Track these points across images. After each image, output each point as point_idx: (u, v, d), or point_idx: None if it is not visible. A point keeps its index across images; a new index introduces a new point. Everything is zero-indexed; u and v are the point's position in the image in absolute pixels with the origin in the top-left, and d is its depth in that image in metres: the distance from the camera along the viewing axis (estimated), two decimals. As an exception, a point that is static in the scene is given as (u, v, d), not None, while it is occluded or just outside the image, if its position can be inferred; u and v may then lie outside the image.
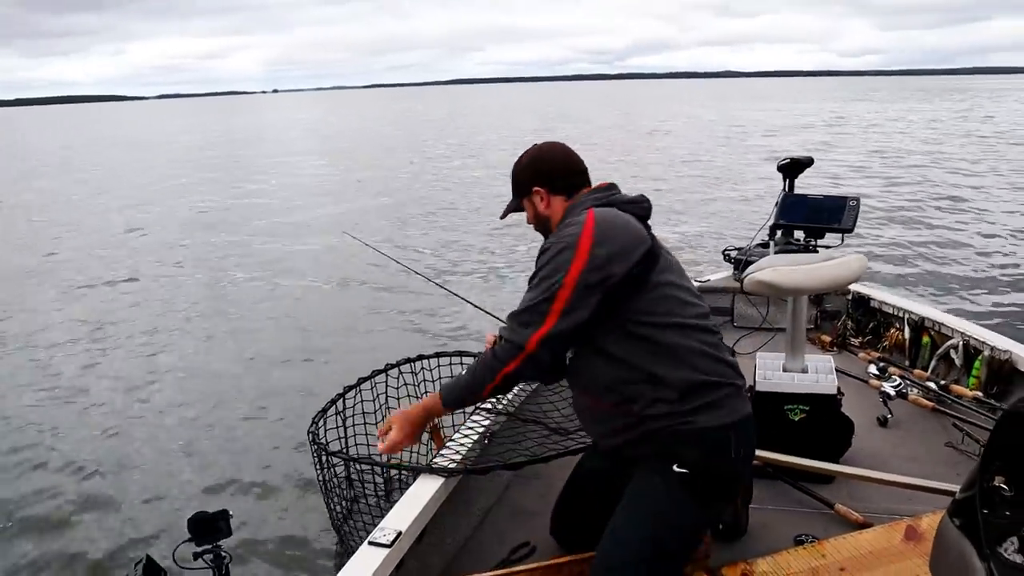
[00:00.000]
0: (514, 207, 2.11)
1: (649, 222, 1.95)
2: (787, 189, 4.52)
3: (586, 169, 2.04)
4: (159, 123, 62.06)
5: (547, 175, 1.99)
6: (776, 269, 2.51)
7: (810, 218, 4.15)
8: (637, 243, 1.79)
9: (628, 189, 2.02)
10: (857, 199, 4.12)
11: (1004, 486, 1.67)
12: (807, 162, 4.44)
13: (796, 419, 2.70)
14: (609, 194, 1.95)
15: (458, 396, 1.99)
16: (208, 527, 1.55)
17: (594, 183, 2.03)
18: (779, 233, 4.22)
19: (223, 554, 1.56)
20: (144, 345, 6.69)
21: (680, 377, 1.76)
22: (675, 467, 1.74)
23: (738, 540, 2.43)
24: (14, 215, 14.74)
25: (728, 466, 1.82)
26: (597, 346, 1.80)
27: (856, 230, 3.72)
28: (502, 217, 2.20)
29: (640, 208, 1.93)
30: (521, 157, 2.06)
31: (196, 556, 1.54)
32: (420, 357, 3.20)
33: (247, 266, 9.80)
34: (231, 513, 1.58)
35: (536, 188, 2.00)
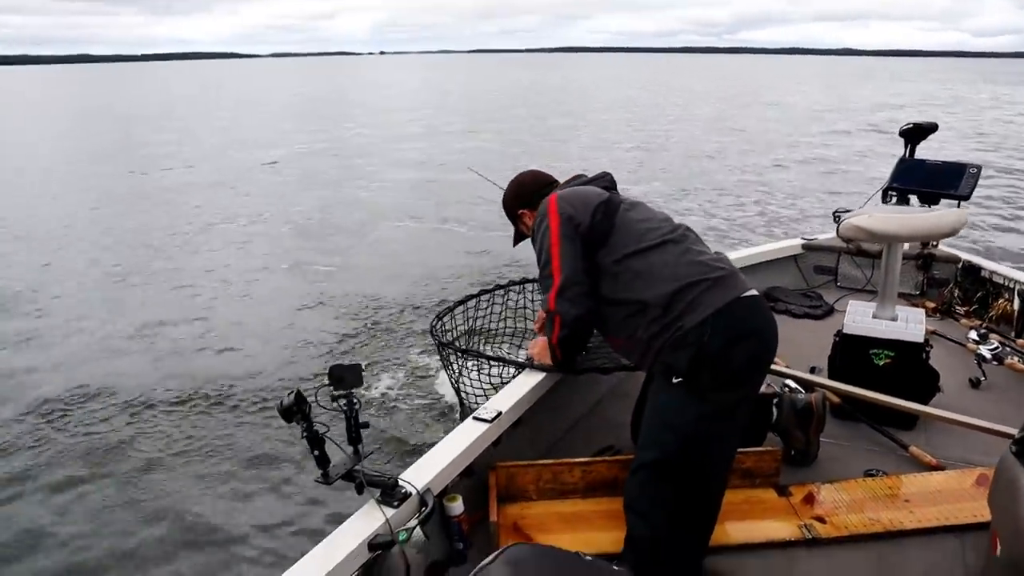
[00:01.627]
0: (517, 233, 2.53)
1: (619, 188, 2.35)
2: (908, 155, 4.48)
3: (553, 180, 2.45)
4: (281, 80, 66.50)
5: (525, 197, 2.42)
6: (871, 216, 2.60)
7: (926, 183, 4.11)
8: (592, 199, 2.16)
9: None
10: (978, 167, 4.04)
11: (1066, 420, 1.77)
12: (930, 128, 4.37)
13: (881, 364, 2.79)
14: (572, 181, 2.37)
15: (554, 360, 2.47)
16: (344, 375, 1.87)
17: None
18: (894, 198, 4.20)
19: (355, 400, 1.88)
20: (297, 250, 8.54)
21: (659, 293, 1.96)
22: (673, 380, 1.92)
23: (808, 467, 2.59)
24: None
25: (713, 355, 1.88)
26: (600, 297, 2.12)
27: (975, 199, 3.68)
28: (514, 245, 2.61)
29: (603, 181, 2.34)
30: (505, 193, 2.50)
31: (333, 399, 1.86)
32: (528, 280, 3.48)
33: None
34: (363, 367, 1.89)
35: (521, 211, 2.44)
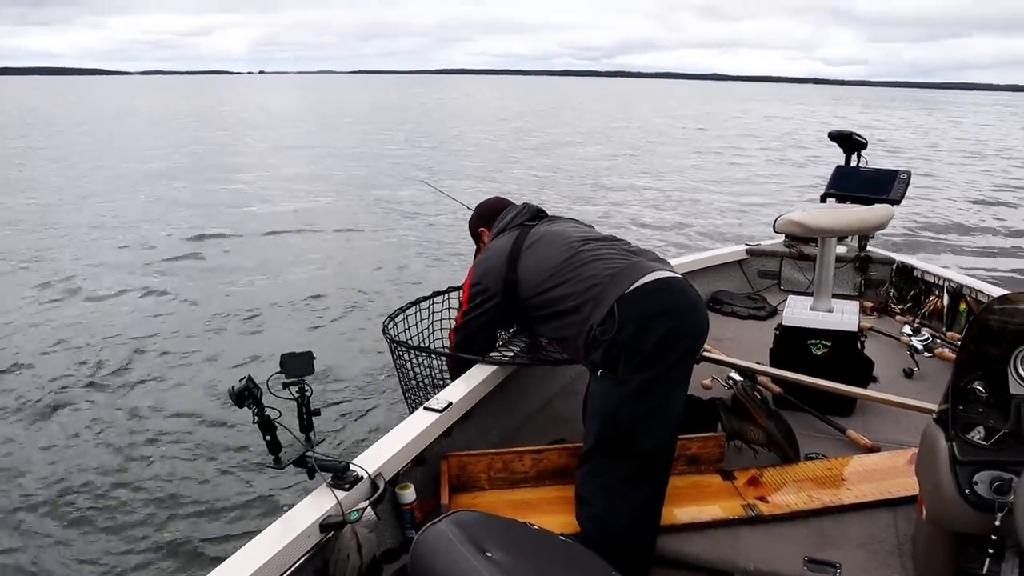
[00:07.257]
0: (478, 251, 2.75)
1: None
2: (844, 163, 4.71)
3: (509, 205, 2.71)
4: (169, 99, 63.46)
5: (486, 218, 2.71)
6: (806, 211, 2.73)
7: (860, 188, 4.33)
8: (494, 268, 2.41)
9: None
10: (908, 173, 4.26)
11: (980, 388, 1.89)
12: (864, 143, 4.63)
13: (819, 353, 2.91)
14: (501, 223, 2.58)
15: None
16: (295, 363, 1.89)
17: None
18: (831, 203, 4.40)
19: (306, 388, 1.90)
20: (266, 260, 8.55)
21: (572, 291, 2.17)
22: (598, 374, 2.08)
23: (751, 454, 2.67)
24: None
25: (625, 343, 2.00)
26: (525, 319, 2.45)
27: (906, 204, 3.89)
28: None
29: (526, 216, 2.57)
30: (471, 215, 2.79)
31: (284, 386, 1.88)
32: None
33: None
34: (314, 355, 1.92)
35: (481, 229, 2.72)
